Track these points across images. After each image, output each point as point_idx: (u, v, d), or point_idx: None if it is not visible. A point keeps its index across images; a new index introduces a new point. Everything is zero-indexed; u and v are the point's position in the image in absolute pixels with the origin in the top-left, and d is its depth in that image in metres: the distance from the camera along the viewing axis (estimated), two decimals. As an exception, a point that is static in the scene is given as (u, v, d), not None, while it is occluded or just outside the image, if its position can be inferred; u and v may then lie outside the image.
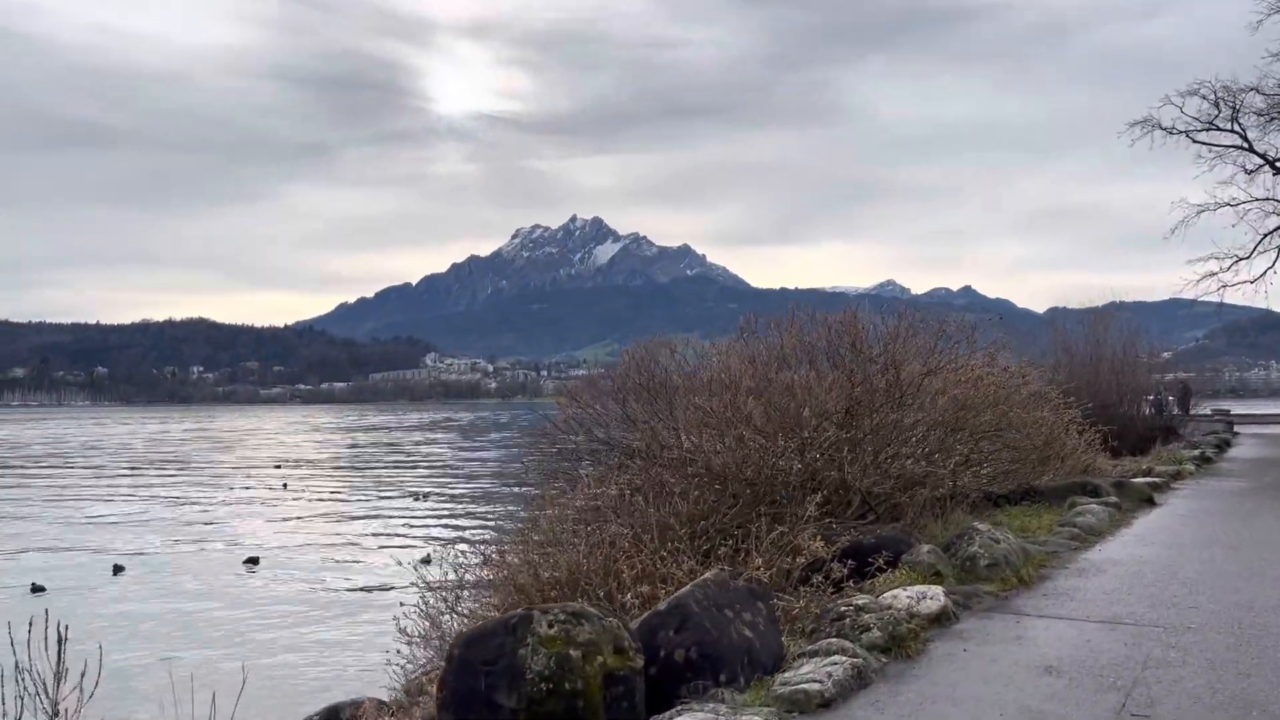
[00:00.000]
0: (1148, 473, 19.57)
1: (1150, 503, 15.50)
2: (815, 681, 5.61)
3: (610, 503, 9.62)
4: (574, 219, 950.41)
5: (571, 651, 5.33)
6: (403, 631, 9.18)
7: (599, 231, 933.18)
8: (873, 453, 10.69)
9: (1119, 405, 32.45)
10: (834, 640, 6.39)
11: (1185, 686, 5.79)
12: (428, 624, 9.28)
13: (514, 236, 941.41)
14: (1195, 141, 32.60)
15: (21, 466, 60.25)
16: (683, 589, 6.53)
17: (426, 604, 9.34)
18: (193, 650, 16.37)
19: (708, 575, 6.77)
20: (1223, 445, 30.39)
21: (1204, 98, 31.86)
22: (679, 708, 5.58)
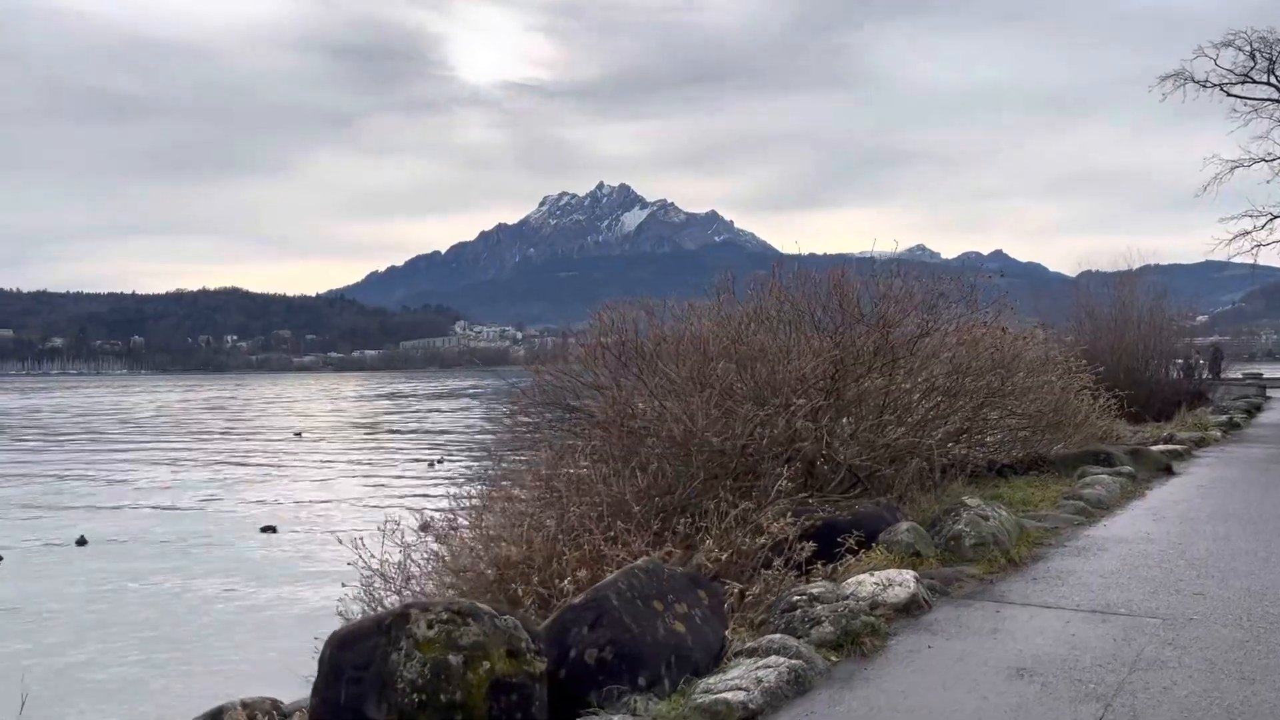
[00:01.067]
0: (1169, 440, 18.54)
1: (1168, 472, 14.53)
2: (741, 690, 4.83)
3: (564, 480, 8.86)
4: (601, 186, 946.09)
5: (451, 657, 4.57)
6: (340, 615, 8.47)
7: (626, 198, 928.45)
8: (855, 421, 9.85)
9: (1144, 369, 31.27)
10: (776, 637, 5.60)
11: (1176, 694, 4.95)
12: (367, 608, 8.57)
13: (541, 204, 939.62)
14: (1229, 95, 31.06)
15: (46, 436, 60.57)
16: (605, 579, 5.76)
17: (371, 586, 8.64)
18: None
19: (639, 562, 5.99)
20: (1253, 410, 29.20)
21: (1239, 49, 30.25)
22: (582, 717, 4.84)
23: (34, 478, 35.74)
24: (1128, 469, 13.68)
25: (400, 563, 8.71)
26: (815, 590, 6.32)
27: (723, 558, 7.31)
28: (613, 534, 7.54)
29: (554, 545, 7.64)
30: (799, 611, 6.04)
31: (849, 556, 7.84)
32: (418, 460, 40.41)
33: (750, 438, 9.03)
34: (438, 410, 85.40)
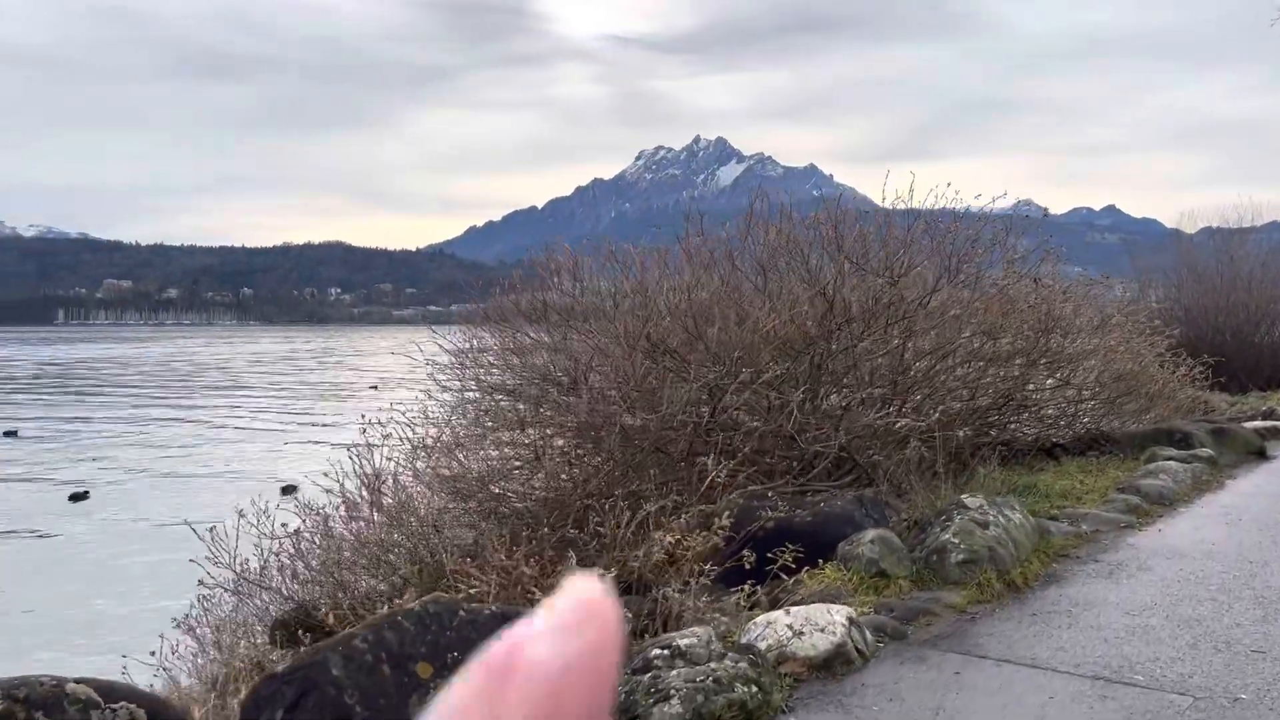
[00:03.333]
0: (1268, 415, 15.88)
1: (1260, 456, 12.07)
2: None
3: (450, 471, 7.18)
4: (698, 140, 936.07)
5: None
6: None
7: (723, 152, 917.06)
8: (845, 393, 7.89)
9: (1254, 332, 28.02)
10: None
11: None
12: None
13: (637, 158, 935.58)
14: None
15: (140, 383, 61.67)
16: (337, 637, 4.05)
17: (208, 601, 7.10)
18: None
19: (412, 604, 4.26)
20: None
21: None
22: None
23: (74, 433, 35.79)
24: (1207, 452, 11.32)
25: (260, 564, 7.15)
26: (685, 642, 4.49)
27: (608, 578, 5.54)
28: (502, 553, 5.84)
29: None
30: (649, 677, 4.24)
31: (789, 576, 6.00)
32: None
33: (690, 415, 7.19)
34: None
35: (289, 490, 23.82)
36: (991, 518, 6.64)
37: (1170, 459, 10.72)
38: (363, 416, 7.50)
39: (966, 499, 6.92)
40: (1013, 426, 11.18)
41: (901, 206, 9.58)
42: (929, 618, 5.60)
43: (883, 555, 6.15)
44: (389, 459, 7.81)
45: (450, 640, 4.11)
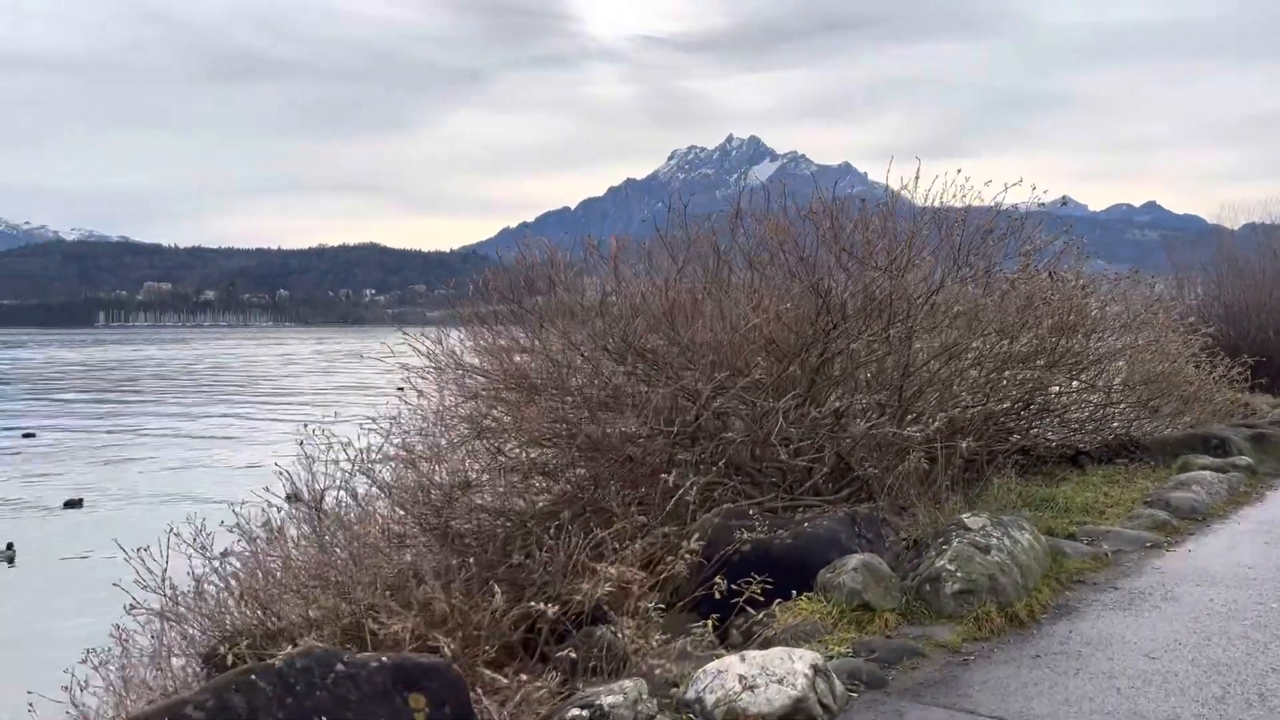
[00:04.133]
0: (1314, 418, 14.88)
1: (1304, 463, 11.19)
2: None
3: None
4: (730, 139, 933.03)
5: None
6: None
7: (756, 151, 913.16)
8: (809, 402, 7.16)
9: (1297, 329, 26.80)
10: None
11: None
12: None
13: (670, 158, 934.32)
14: None
15: (165, 387, 61.94)
16: (161, 704, 3.42)
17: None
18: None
19: (273, 660, 3.60)
20: None
21: None
22: None
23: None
24: (1245, 459, 10.46)
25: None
26: (609, 700, 3.81)
27: (549, 614, 4.87)
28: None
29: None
30: (559, 743, 3.56)
31: (759, 608, 5.30)
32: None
33: (661, 424, 6.50)
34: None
35: (293, 499, 23.39)
36: (994, 540, 5.89)
37: (1205, 468, 9.88)
38: (303, 427, 6.88)
39: (967, 519, 6.18)
40: (1035, 432, 10.39)
41: (924, 202, 8.85)
42: (915, 660, 4.87)
43: (867, 585, 5.43)
44: (341, 468, 7.21)
45: (321, 702, 3.46)
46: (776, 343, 7.27)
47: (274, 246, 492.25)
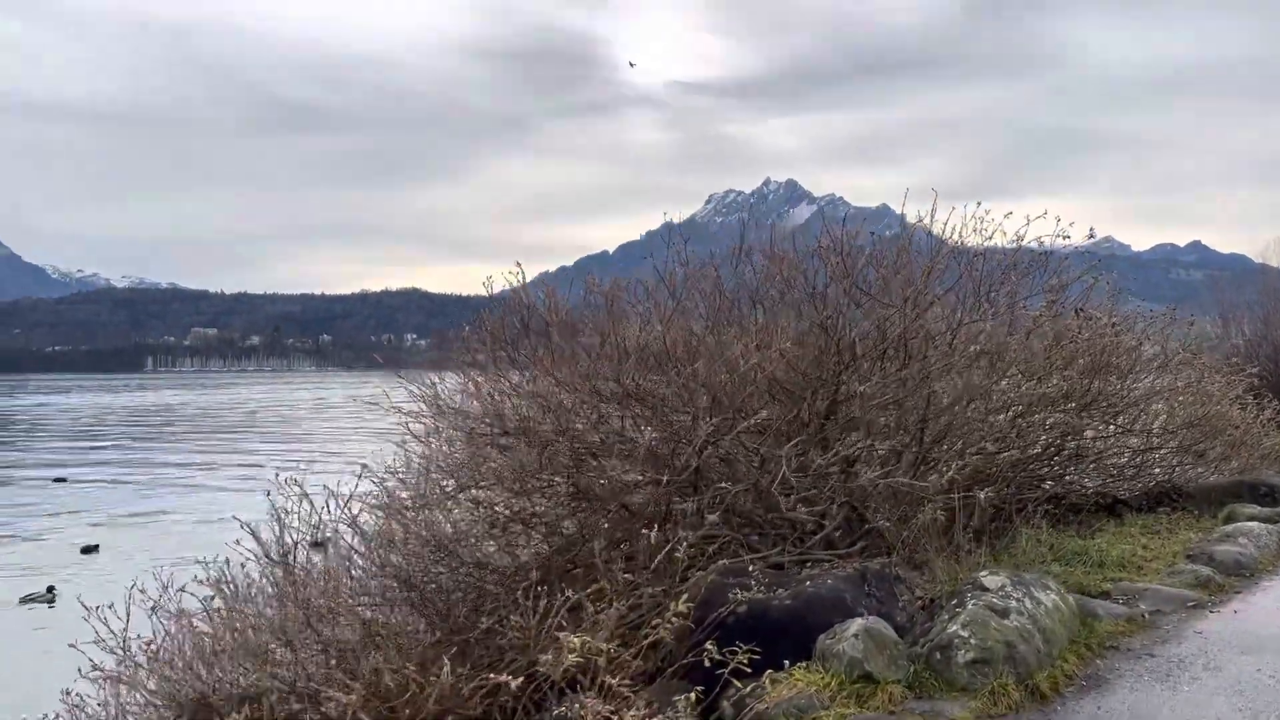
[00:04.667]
0: (1372, 463, 14.03)
1: (1362, 513, 10.42)
2: None
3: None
4: (768, 182, 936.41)
5: None
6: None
7: (793, 194, 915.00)
8: (814, 449, 6.66)
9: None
10: None
11: None
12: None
13: (707, 202, 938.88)
14: None
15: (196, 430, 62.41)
16: None
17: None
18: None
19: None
20: None
21: None
22: None
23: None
24: (1297, 509, 9.75)
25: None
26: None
27: (511, 687, 4.40)
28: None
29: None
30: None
31: (746, 680, 4.80)
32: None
33: (650, 474, 6.05)
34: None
35: (319, 545, 23.10)
36: (1014, 602, 5.34)
37: (1252, 518, 9.21)
38: (276, 474, 6.51)
39: (985, 577, 5.63)
40: (1068, 478, 9.77)
41: (945, 235, 8.38)
42: (920, 741, 4.34)
43: (869, 653, 4.91)
44: (319, 520, 6.82)
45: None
46: (781, 384, 6.80)
47: (319, 292, 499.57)
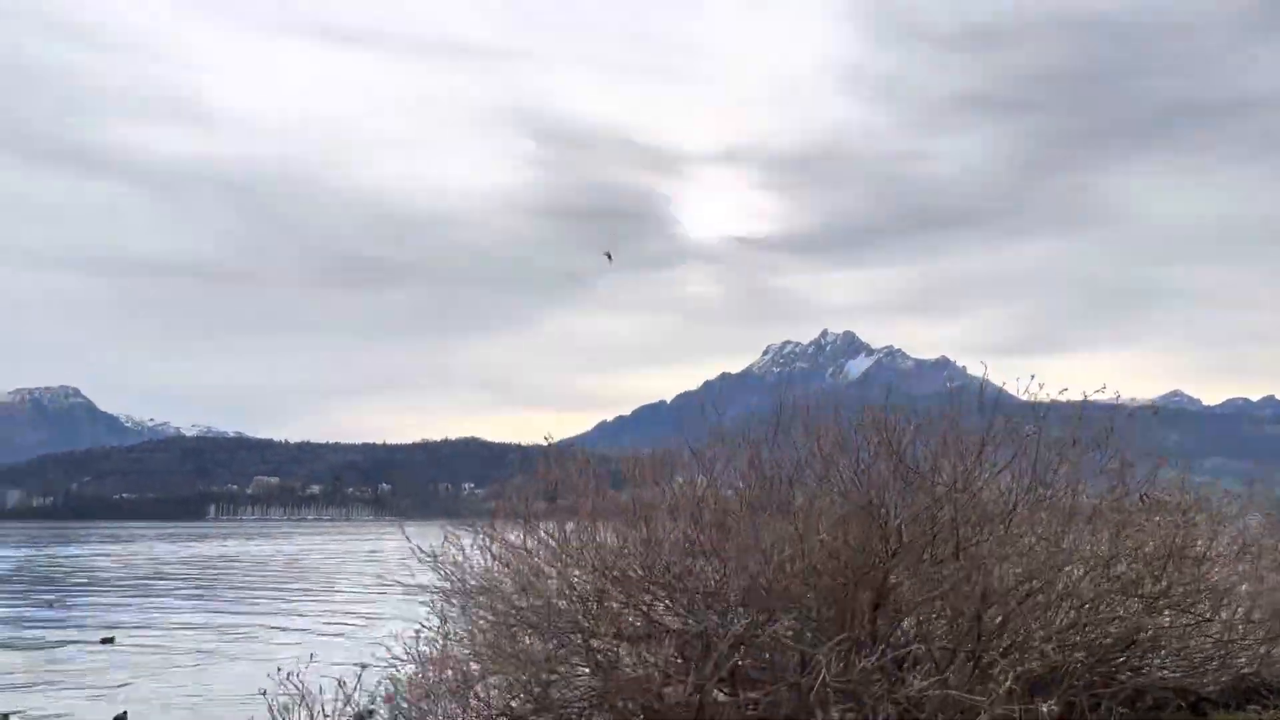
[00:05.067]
0: None
1: None
2: None
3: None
4: (825, 333, 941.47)
5: None
6: None
7: (851, 345, 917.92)
8: (855, 653, 6.12)
9: None
10: None
11: None
12: None
13: (764, 353, 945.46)
14: None
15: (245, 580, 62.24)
16: None
17: None
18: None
19: None
20: None
21: None
22: None
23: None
24: None
25: None
26: None
27: None
28: None
29: None
30: None
31: None
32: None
33: (669, 676, 5.57)
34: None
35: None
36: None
37: (1359, 722, 8.30)
38: (277, 670, 6.15)
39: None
40: (1143, 673, 8.96)
41: (1001, 391, 7.98)
42: None
43: None
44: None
45: None
46: (821, 573, 6.33)
47: (380, 441, 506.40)
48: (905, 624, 6.76)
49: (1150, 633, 8.61)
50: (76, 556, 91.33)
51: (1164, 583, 8.13)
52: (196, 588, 56.34)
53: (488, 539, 7.46)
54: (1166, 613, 8.56)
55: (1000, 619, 6.67)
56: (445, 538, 8.04)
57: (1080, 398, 8.08)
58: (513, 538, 7.23)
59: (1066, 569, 7.59)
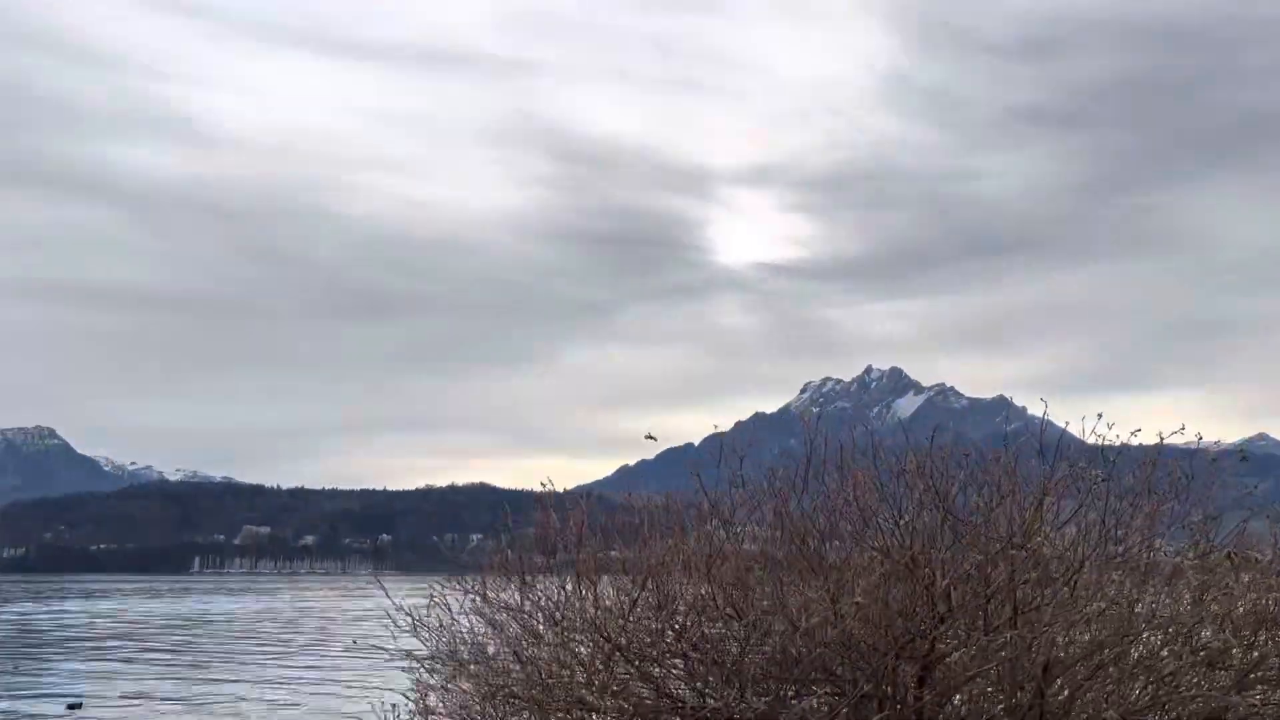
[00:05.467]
0: None
1: None
2: None
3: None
4: (869, 370, 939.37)
5: None
6: None
7: (898, 383, 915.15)
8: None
9: None
10: None
11: None
12: None
13: (802, 391, 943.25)
14: None
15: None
16: None
17: None
18: None
19: None
20: None
21: None
22: None
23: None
24: None
25: None
26: None
27: None
28: None
29: None
30: None
31: None
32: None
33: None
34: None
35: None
36: None
37: None
38: None
39: None
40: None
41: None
42: None
43: None
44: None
45: None
46: (857, 641, 6.05)
47: (379, 487, 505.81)
48: (955, 701, 6.46)
49: (1240, 712, 8.24)
50: (47, 614, 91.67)
51: (1255, 653, 7.79)
52: (173, 651, 56.37)
53: (478, 598, 7.24)
54: (1259, 688, 8.21)
55: (1065, 695, 6.35)
56: (431, 598, 7.82)
57: (1155, 440, 7.78)
58: (506, 596, 7.02)
59: (1142, 637, 7.28)
